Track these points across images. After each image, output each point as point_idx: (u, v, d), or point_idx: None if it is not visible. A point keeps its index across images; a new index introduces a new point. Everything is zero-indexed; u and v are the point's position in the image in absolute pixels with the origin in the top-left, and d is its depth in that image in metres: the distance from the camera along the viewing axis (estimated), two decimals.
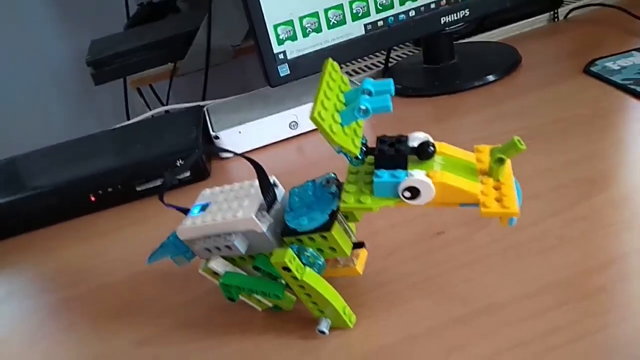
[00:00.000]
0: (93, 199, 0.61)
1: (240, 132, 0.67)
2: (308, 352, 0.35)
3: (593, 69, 0.65)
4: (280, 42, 0.66)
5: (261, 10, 0.63)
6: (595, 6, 0.86)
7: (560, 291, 0.34)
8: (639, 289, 0.33)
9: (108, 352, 0.40)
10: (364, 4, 0.67)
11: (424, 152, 0.30)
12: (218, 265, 0.37)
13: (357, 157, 0.32)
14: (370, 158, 0.33)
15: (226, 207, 0.36)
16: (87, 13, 1.55)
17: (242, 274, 0.37)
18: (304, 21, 0.66)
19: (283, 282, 0.36)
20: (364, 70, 0.88)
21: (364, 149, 0.32)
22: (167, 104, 1.17)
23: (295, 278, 0.33)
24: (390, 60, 0.87)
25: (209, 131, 0.68)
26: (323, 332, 0.35)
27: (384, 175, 0.30)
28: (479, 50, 0.81)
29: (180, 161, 0.62)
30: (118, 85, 1.17)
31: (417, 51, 0.90)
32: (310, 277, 0.34)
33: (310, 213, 0.33)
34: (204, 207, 0.37)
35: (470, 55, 0.79)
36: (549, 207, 0.42)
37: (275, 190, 0.36)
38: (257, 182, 0.36)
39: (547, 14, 0.88)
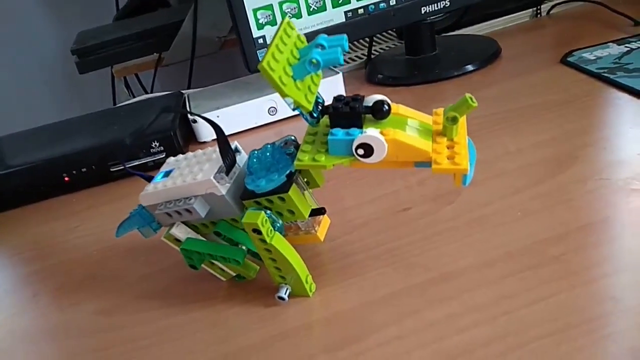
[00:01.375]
0: (67, 179, 0.61)
1: (218, 117, 0.67)
2: (268, 319, 0.35)
3: (570, 59, 0.65)
4: (260, 26, 0.66)
5: None
6: (577, 2, 0.86)
7: (518, 260, 0.34)
8: (592, 258, 0.33)
9: (68, 321, 0.40)
10: None
11: (379, 111, 0.30)
12: (180, 231, 0.37)
13: (312, 116, 0.32)
14: (326, 120, 0.33)
15: (187, 172, 0.36)
16: (78, 5, 1.55)
17: (203, 241, 0.37)
18: (284, 6, 0.66)
19: (244, 248, 0.36)
20: (347, 62, 0.89)
21: (320, 107, 0.32)
22: (147, 93, 1.17)
23: (263, 241, 0.33)
24: (374, 52, 0.88)
25: (187, 116, 0.68)
26: (282, 299, 0.35)
27: (339, 133, 0.31)
28: (460, 43, 0.81)
29: (156, 142, 0.62)
30: (106, 75, 1.18)
31: (400, 44, 0.90)
32: (279, 241, 0.34)
33: (268, 175, 0.33)
34: (167, 174, 0.37)
35: (452, 47, 0.79)
36: (515, 184, 0.43)
37: (237, 156, 0.36)
38: (216, 152, 0.36)
39: (530, 10, 0.88)
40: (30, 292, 0.45)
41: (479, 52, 0.75)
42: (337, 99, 0.32)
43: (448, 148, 0.31)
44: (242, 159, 0.37)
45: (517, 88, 0.62)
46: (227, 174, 0.35)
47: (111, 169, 0.62)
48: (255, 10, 0.65)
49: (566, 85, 0.59)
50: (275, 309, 0.35)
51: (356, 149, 0.30)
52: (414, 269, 0.36)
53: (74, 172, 0.61)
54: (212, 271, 0.39)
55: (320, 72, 0.31)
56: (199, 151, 0.38)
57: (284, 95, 0.29)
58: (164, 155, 0.62)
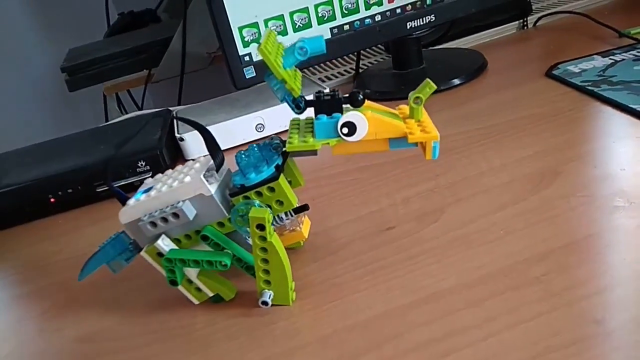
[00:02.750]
0: (52, 200, 0.61)
1: None
2: (249, 344, 0.34)
3: (555, 72, 0.65)
4: (246, 44, 0.66)
5: (225, 12, 0.64)
6: (563, 14, 0.87)
7: (499, 281, 0.34)
8: (574, 279, 0.33)
9: (49, 349, 0.39)
10: (330, 7, 0.68)
11: (355, 100, 0.34)
12: (165, 244, 0.36)
13: (298, 106, 0.36)
14: (309, 118, 0.37)
15: (171, 181, 0.36)
16: (69, 22, 1.55)
17: (187, 249, 0.37)
18: (270, 24, 0.66)
19: (229, 252, 0.36)
20: (336, 77, 0.89)
21: (304, 100, 0.36)
22: (141, 110, 1.17)
23: (263, 239, 0.34)
24: (362, 66, 0.88)
25: (174, 134, 0.68)
26: (266, 303, 0.36)
27: (323, 117, 0.35)
28: (447, 56, 0.82)
29: (142, 162, 0.61)
30: (98, 91, 1.17)
31: (388, 57, 0.90)
32: (277, 241, 0.35)
33: (257, 169, 0.35)
34: (146, 191, 0.37)
35: (439, 61, 0.80)
36: (497, 201, 0.42)
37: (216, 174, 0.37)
38: (200, 161, 0.37)
39: (517, 22, 0.89)
40: (15, 317, 0.44)
41: (466, 65, 0.75)
42: (318, 93, 0.36)
43: (417, 125, 0.36)
44: (225, 168, 0.38)
45: (502, 102, 0.62)
46: (217, 171, 0.36)
47: (97, 189, 0.61)
48: (240, 29, 0.65)
49: (551, 98, 0.59)
50: (257, 334, 0.35)
51: (341, 128, 0.34)
52: (396, 290, 0.36)
53: (60, 192, 0.61)
54: (187, 292, 0.38)
55: (299, 73, 0.37)
56: (179, 166, 0.38)
57: (279, 75, 0.33)
58: (150, 175, 0.62)
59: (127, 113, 1.25)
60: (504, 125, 0.55)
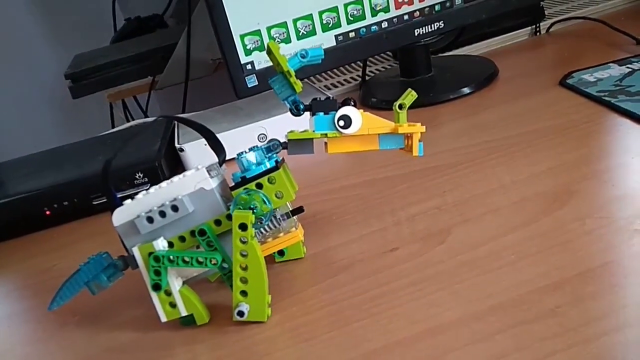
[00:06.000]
0: (48, 213, 0.59)
1: (206, 145, 0.65)
2: None
3: (569, 81, 0.63)
4: (248, 52, 0.64)
5: (227, 20, 0.62)
6: (578, 20, 0.84)
7: (510, 313, 0.31)
8: (592, 312, 0.30)
9: None
10: (334, 14, 0.66)
11: (347, 104, 0.38)
12: (162, 244, 0.35)
13: (297, 109, 0.39)
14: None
15: (169, 181, 0.35)
16: (77, 27, 1.55)
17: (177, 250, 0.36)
18: (272, 31, 0.64)
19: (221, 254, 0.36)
20: (342, 84, 0.87)
21: (303, 103, 0.39)
22: (145, 117, 1.16)
23: (244, 241, 0.34)
24: (369, 73, 0.86)
25: (174, 144, 0.66)
26: (242, 314, 0.35)
27: (321, 114, 0.38)
28: (457, 64, 0.79)
29: (140, 174, 0.60)
30: (104, 97, 1.16)
31: (396, 64, 0.88)
32: (258, 246, 0.35)
33: (257, 164, 0.37)
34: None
35: (448, 68, 0.77)
36: (508, 223, 0.40)
37: (216, 170, 0.37)
38: (196, 167, 0.37)
39: (529, 28, 0.86)
40: (8, 345, 0.42)
41: (476, 73, 0.72)
42: (314, 98, 0.39)
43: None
44: (222, 172, 0.39)
45: (513, 113, 0.59)
46: (221, 165, 0.37)
47: (93, 202, 0.60)
48: (242, 36, 0.63)
49: (565, 110, 0.56)
50: None
51: (338, 121, 0.38)
52: (397, 321, 0.33)
53: (56, 205, 0.59)
54: (159, 304, 0.36)
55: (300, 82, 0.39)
56: (175, 177, 0.37)
57: (286, 67, 0.36)
58: (148, 187, 0.60)
59: (133, 119, 1.24)
60: (514, 138, 0.53)
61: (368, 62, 0.94)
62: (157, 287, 0.35)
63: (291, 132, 0.39)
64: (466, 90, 0.69)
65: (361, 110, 0.39)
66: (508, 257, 0.36)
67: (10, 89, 1.60)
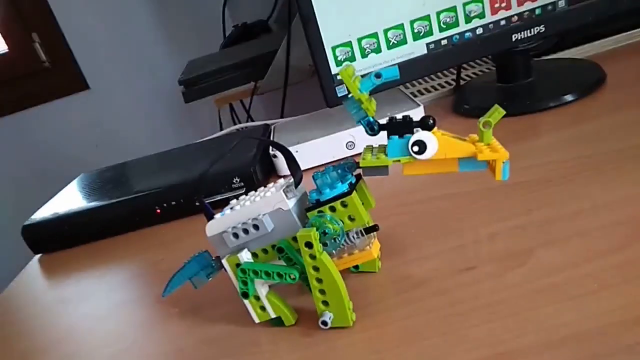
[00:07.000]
0: (158, 211, 0.66)
1: (297, 152, 0.69)
2: None
3: None
4: (339, 63, 0.66)
5: (319, 32, 0.64)
6: None
7: (585, 345, 0.30)
8: None
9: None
10: (426, 22, 0.66)
11: (426, 124, 0.36)
12: (245, 255, 0.39)
13: (372, 129, 0.39)
14: (382, 144, 0.39)
15: (252, 199, 0.39)
16: (190, 35, 1.68)
17: (260, 263, 0.40)
18: (363, 42, 0.66)
19: (300, 268, 0.38)
20: (436, 89, 0.86)
21: (378, 124, 0.39)
22: (248, 121, 1.23)
23: (313, 257, 0.36)
24: (466, 77, 0.84)
25: (268, 150, 0.71)
26: (325, 323, 0.37)
27: (395, 138, 0.38)
28: (559, 68, 0.75)
29: (237, 179, 0.65)
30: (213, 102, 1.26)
31: (494, 68, 0.85)
32: (327, 259, 0.36)
33: (331, 186, 0.38)
34: (232, 208, 0.40)
35: (549, 73, 0.73)
36: (595, 247, 0.38)
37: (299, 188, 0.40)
38: (279, 181, 0.40)
39: None
40: (120, 329, 0.48)
41: (580, 79, 0.68)
42: (391, 118, 0.38)
43: (486, 147, 0.36)
44: (302, 188, 0.40)
45: (619, 125, 0.55)
46: (296, 187, 0.39)
47: (197, 203, 0.66)
48: (334, 48, 0.65)
49: None
50: None
51: (412, 146, 0.37)
52: (467, 342, 0.33)
53: (165, 205, 0.66)
54: (251, 309, 0.40)
55: (374, 101, 0.39)
56: (261, 188, 0.41)
57: (356, 95, 0.37)
58: (244, 191, 0.65)
59: (240, 122, 1.33)
60: (615, 153, 0.49)
61: (465, 66, 0.92)
62: (245, 295, 0.39)
63: (363, 159, 0.39)
64: (568, 97, 0.65)
65: (440, 131, 0.37)
66: (590, 285, 0.35)
67: (133, 94, 1.77)
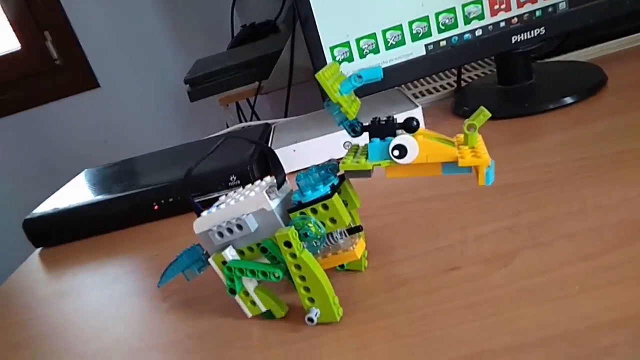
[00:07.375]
0: (156, 207, 0.67)
1: (294, 151, 0.69)
2: None
3: None
4: (337, 63, 0.66)
5: (317, 32, 0.65)
6: None
7: (561, 347, 0.30)
8: None
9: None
10: (425, 24, 0.66)
11: (410, 126, 0.36)
12: (231, 253, 0.40)
13: (354, 131, 0.39)
14: (367, 144, 0.38)
15: (238, 196, 0.39)
16: (198, 34, 1.69)
17: (246, 261, 0.40)
18: (361, 42, 0.66)
19: (284, 266, 0.38)
20: (438, 91, 0.86)
21: (361, 125, 0.38)
22: (251, 120, 1.24)
23: (293, 256, 0.36)
24: (467, 79, 0.84)
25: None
26: (312, 320, 0.37)
27: (376, 141, 0.37)
28: (560, 70, 0.74)
29: (233, 177, 0.65)
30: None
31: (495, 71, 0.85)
32: (308, 257, 0.37)
33: (314, 188, 0.37)
34: (219, 205, 0.40)
35: (549, 75, 0.73)
36: (580, 250, 0.38)
37: (285, 183, 0.40)
38: (265, 180, 0.40)
39: None
40: (115, 321, 0.49)
41: (581, 82, 0.68)
42: (374, 118, 0.37)
43: (470, 151, 0.35)
44: (287, 187, 0.40)
45: (616, 128, 0.54)
46: (279, 188, 0.39)
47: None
48: (332, 48, 0.66)
49: None
50: None
51: (392, 150, 0.35)
52: (444, 342, 0.33)
53: (162, 201, 0.67)
54: (243, 304, 0.41)
55: (359, 101, 0.39)
56: (248, 185, 0.42)
57: (334, 98, 0.36)
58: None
59: (245, 121, 1.33)
60: (611, 157, 0.49)
61: (467, 67, 0.91)
62: (232, 292, 0.40)
63: (344, 162, 0.38)
64: (568, 100, 0.65)
65: (426, 132, 0.37)
66: (571, 287, 0.34)
67: (142, 92, 1.79)
